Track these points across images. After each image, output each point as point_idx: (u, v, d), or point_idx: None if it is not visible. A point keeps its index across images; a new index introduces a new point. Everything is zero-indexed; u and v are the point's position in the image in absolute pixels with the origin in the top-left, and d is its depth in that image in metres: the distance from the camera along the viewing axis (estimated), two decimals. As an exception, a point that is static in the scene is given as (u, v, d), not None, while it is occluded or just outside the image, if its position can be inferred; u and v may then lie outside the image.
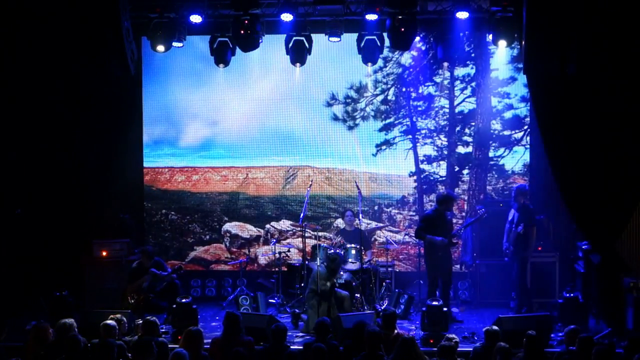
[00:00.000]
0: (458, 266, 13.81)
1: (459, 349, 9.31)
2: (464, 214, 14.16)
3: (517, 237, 12.42)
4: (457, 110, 14.29)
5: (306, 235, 13.14)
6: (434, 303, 11.28)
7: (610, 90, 11.09)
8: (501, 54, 13.55)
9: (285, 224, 14.61)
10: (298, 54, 12.74)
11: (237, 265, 13.81)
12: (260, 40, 12.50)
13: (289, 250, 13.62)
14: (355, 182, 13.92)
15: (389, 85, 14.29)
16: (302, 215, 13.28)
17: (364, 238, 13.43)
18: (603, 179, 11.26)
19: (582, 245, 12.20)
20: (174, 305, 11.41)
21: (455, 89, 14.26)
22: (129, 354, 9.06)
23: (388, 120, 14.34)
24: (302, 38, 12.65)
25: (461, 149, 14.32)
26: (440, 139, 14.37)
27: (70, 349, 8.64)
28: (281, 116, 14.50)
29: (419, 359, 8.67)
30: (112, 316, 10.01)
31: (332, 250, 12.53)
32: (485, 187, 14.27)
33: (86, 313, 11.45)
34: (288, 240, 14.29)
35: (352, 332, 9.59)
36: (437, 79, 14.21)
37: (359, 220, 13.29)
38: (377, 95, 14.30)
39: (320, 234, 13.58)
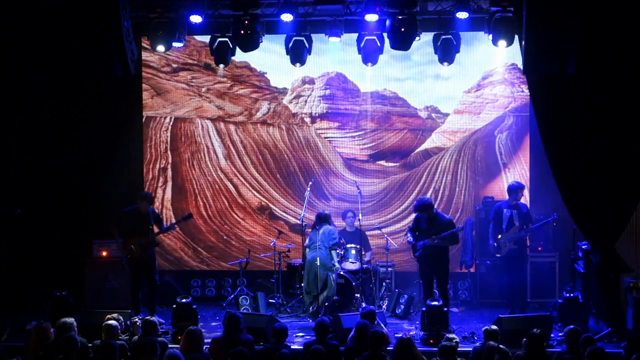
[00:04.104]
0: (458, 266, 13.77)
1: (459, 349, 9.30)
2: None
3: (523, 238, 12.43)
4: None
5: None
6: (434, 303, 11.29)
7: (610, 90, 11.08)
8: (501, 54, 13.56)
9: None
10: (298, 54, 12.73)
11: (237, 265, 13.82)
12: (260, 40, 12.50)
13: (289, 250, 13.62)
14: (355, 182, 13.93)
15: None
16: (302, 214, 13.30)
17: (364, 239, 13.45)
18: (603, 179, 11.25)
19: (582, 245, 12.20)
20: (174, 305, 11.43)
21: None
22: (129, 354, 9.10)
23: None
24: (302, 38, 12.64)
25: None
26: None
27: (66, 349, 8.62)
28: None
29: (416, 359, 8.67)
30: (108, 316, 10.00)
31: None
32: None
33: (86, 313, 11.46)
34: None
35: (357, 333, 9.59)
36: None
37: (360, 220, 13.29)
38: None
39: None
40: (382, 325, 11.23)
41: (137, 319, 10.52)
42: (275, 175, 14.69)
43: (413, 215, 14.08)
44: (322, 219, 12.90)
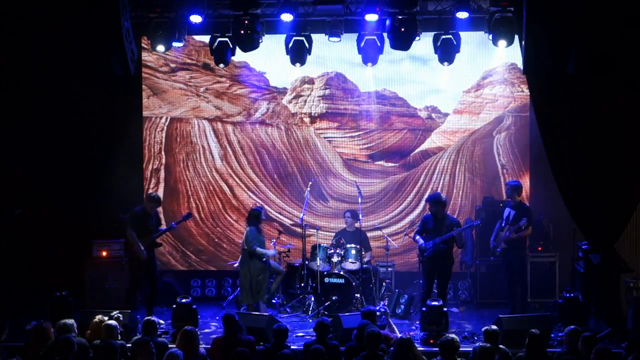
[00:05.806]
0: (458, 266, 13.76)
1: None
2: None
3: (516, 235, 12.36)
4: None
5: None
6: (434, 303, 11.29)
7: (610, 90, 11.09)
8: (501, 54, 13.56)
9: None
10: (298, 54, 12.74)
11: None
12: (260, 40, 12.50)
13: (288, 250, 13.61)
14: (355, 182, 13.92)
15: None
16: (302, 214, 13.29)
17: (364, 239, 13.44)
18: (603, 179, 11.26)
19: (582, 245, 12.20)
20: (174, 305, 11.43)
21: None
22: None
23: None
24: (302, 38, 12.65)
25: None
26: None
27: (63, 351, 8.60)
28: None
29: (416, 359, 8.67)
30: (105, 316, 10.02)
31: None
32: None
33: (86, 313, 11.44)
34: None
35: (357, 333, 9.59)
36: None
37: (359, 220, 13.29)
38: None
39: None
40: (393, 326, 11.25)
41: (116, 313, 10.50)
42: (272, 176, 14.66)
43: (412, 215, 14.20)
44: (248, 218, 12.96)
